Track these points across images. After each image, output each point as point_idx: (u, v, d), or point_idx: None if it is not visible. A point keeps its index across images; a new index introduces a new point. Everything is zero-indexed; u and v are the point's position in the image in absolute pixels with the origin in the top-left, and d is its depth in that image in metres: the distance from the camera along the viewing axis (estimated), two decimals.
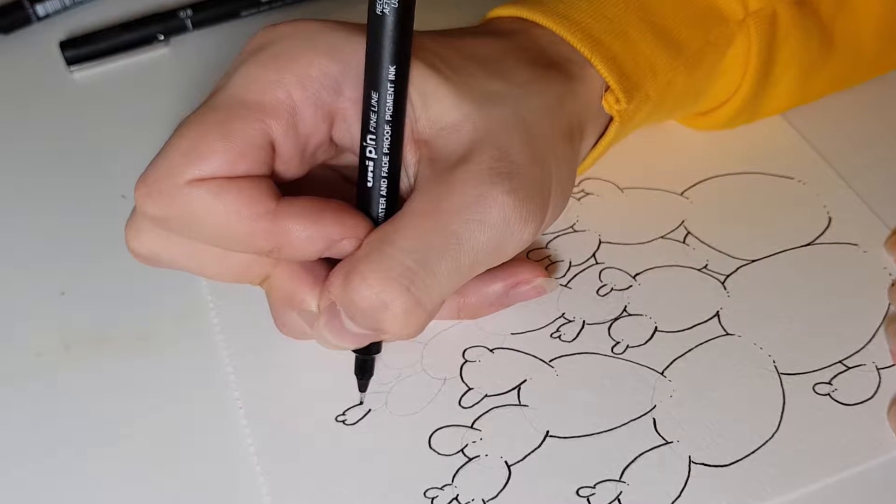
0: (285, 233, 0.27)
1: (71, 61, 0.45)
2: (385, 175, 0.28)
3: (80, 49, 0.45)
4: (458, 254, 0.27)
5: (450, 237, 0.27)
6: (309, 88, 0.27)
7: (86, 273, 0.36)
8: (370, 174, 0.28)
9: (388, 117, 0.27)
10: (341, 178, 0.31)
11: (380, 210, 0.28)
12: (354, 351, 0.31)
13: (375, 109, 0.27)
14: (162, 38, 0.46)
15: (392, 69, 0.26)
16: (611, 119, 0.33)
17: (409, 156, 0.28)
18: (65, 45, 0.45)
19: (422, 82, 0.28)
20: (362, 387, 0.32)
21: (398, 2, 0.25)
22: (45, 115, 0.43)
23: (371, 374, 0.32)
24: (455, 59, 0.29)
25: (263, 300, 0.32)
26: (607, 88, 0.32)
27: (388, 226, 0.27)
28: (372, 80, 0.27)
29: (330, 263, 0.29)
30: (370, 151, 0.27)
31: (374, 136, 0.27)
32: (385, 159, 0.28)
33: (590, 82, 0.31)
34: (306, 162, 0.29)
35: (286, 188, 0.28)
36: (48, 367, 0.33)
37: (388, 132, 0.27)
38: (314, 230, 0.27)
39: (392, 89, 0.27)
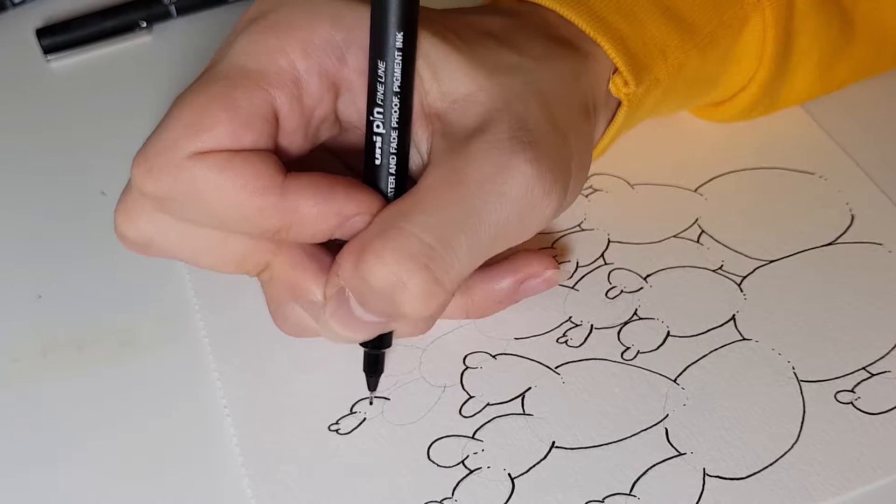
0: (295, 209, 0.27)
1: (48, 50, 0.45)
2: (394, 151, 0.28)
3: (58, 37, 0.45)
4: (479, 229, 0.27)
5: (469, 211, 0.26)
6: (312, 56, 0.27)
7: (64, 274, 0.36)
8: (378, 150, 0.28)
9: (396, 88, 0.27)
10: (343, 166, 0.32)
11: (389, 189, 0.28)
12: (363, 346, 0.31)
13: (382, 80, 0.27)
14: (144, 25, 0.46)
15: (399, 36, 0.26)
16: (619, 105, 0.33)
17: (420, 131, 0.28)
18: (41, 33, 0.45)
19: (432, 52, 0.28)
20: (372, 385, 0.32)
21: None
22: (21, 107, 0.43)
23: (381, 371, 0.31)
24: (466, 32, 0.29)
25: (252, 302, 0.32)
26: (615, 71, 0.32)
27: (403, 201, 0.27)
28: (378, 49, 0.26)
29: (334, 251, 0.28)
30: (378, 126, 0.27)
31: (381, 110, 0.27)
32: (394, 134, 0.27)
33: (600, 62, 0.32)
34: (310, 137, 0.29)
35: (287, 168, 0.27)
36: (24, 373, 0.33)
37: (396, 105, 0.27)
38: (325, 206, 0.27)
39: (399, 58, 0.26)
